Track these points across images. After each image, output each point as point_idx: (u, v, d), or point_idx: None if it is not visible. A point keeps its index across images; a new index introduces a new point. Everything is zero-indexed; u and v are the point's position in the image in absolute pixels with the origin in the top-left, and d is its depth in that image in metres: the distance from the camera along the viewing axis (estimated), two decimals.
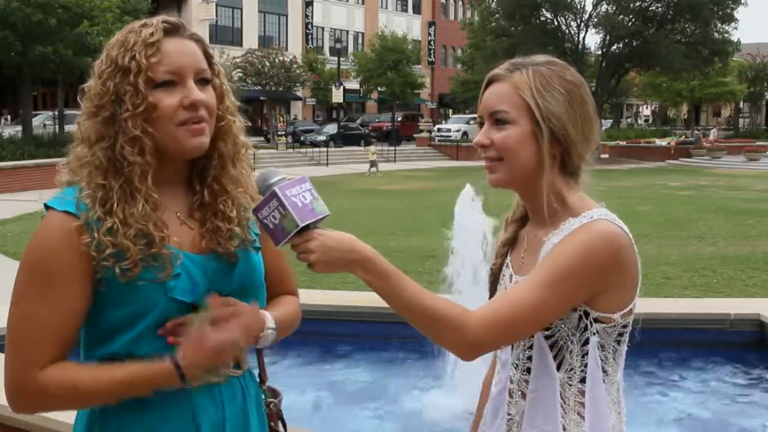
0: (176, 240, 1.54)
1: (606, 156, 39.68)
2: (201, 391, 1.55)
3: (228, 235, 1.59)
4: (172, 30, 1.54)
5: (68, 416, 2.70)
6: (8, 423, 3.15)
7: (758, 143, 44.54)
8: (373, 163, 30.62)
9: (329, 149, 36.82)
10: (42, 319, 1.48)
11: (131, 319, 1.50)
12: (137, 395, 1.50)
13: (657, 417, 4.81)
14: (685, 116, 75.09)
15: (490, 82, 1.67)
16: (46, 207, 1.52)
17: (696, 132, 50.19)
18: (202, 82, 1.55)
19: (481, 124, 1.66)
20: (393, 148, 39.11)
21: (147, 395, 1.50)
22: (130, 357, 1.52)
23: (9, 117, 37.13)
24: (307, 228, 1.45)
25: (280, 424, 1.77)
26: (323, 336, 5.54)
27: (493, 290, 1.80)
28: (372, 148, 32.18)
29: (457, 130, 42.44)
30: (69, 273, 1.47)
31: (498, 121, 1.62)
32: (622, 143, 44.49)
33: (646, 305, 5.89)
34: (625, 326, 1.62)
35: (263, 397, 1.75)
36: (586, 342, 1.59)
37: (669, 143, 43.08)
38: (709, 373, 5.33)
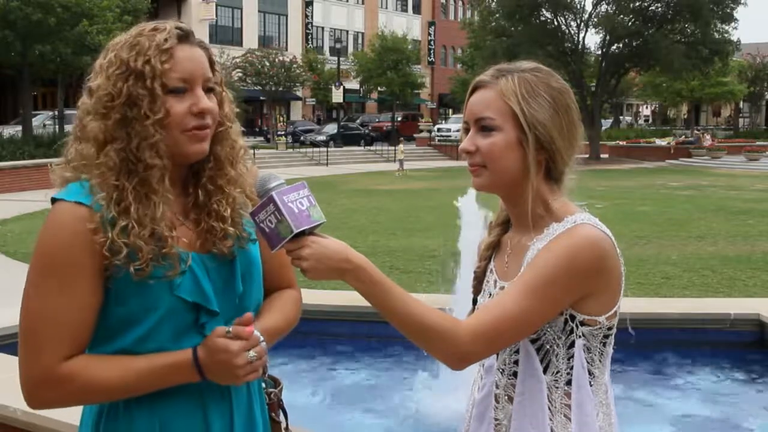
0: (185, 241, 1.56)
1: (606, 156, 39.71)
2: (210, 386, 1.56)
3: (222, 234, 1.60)
4: (184, 37, 1.55)
5: (69, 416, 2.70)
6: (9, 423, 3.15)
7: (758, 143, 44.57)
8: (400, 162, 30.76)
9: (329, 149, 36.83)
10: (60, 311, 1.48)
11: (136, 317, 1.52)
12: (153, 389, 1.53)
13: (657, 417, 4.82)
14: (685, 116, 75.09)
15: (475, 88, 1.68)
16: (54, 200, 1.52)
17: (696, 132, 50.21)
18: (207, 90, 1.57)
19: (466, 130, 1.68)
20: (393, 148, 39.12)
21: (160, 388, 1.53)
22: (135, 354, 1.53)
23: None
24: (302, 234, 1.46)
25: (281, 413, 1.77)
26: (323, 336, 5.55)
27: (476, 293, 1.82)
28: (400, 146, 32.31)
29: (457, 130, 42.37)
30: (84, 264, 1.48)
31: (484, 127, 1.63)
32: (622, 143, 44.51)
33: (646, 305, 5.90)
34: (610, 328, 1.64)
35: (263, 386, 1.75)
36: (572, 345, 1.61)
37: (669, 143, 43.10)
38: (708, 373, 5.33)
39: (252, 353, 1.50)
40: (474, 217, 5.07)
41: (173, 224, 1.54)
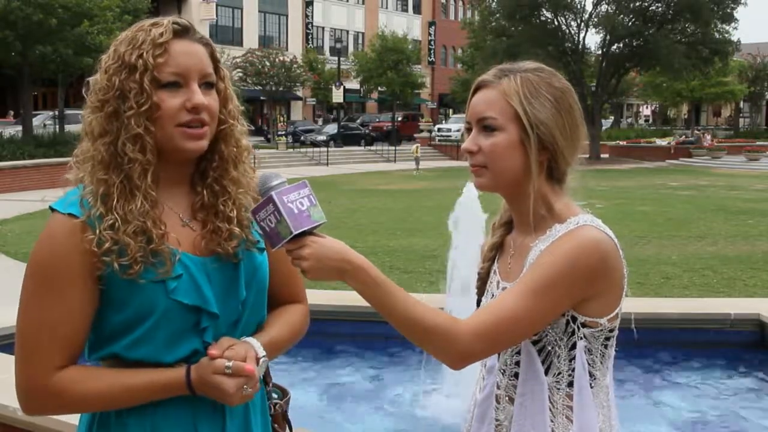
0: (174, 237, 1.54)
1: (606, 156, 39.74)
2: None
3: (227, 235, 1.59)
4: (182, 32, 1.55)
5: (69, 417, 2.70)
6: (9, 423, 3.16)
7: (758, 143, 44.62)
8: (416, 161, 30.79)
9: (329, 149, 36.84)
10: (53, 322, 1.48)
11: (132, 321, 1.51)
12: (143, 402, 1.53)
13: (657, 417, 4.81)
14: (685, 116, 75.11)
15: (478, 88, 1.67)
16: (51, 209, 1.52)
17: (696, 132, 50.23)
18: (207, 85, 1.56)
19: (469, 130, 1.67)
20: (393, 148, 39.15)
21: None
22: (130, 359, 1.52)
23: (12, 114, 37.01)
24: (303, 233, 1.46)
25: (286, 425, 1.76)
26: (323, 336, 5.54)
27: (480, 294, 1.81)
28: (417, 145, 32.29)
29: (457, 130, 42.40)
30: (76, 274, 1.48)
31: (486, 127, 1.63)
32: (623, 143, 44.57)
33: (646, 305, 5.90)
34: (611, 330, 1.64)
35: (268, 397, 1.74)
36: (574, 346, 1.61)
37: (669, 143, 43.12)
38: (708, 373, 5.33)
39: (247, 388, 1.50)
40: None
41: (163, 221, 1.53)
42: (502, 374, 1.69)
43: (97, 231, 1.47)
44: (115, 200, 1.49)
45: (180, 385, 1.51)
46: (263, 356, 1.55)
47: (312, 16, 56.34)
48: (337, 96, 44.30)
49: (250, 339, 1.58)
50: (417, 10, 65.95)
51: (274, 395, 1.75)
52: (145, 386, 1.50)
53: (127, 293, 1.50)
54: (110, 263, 1.47)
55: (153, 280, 1.49)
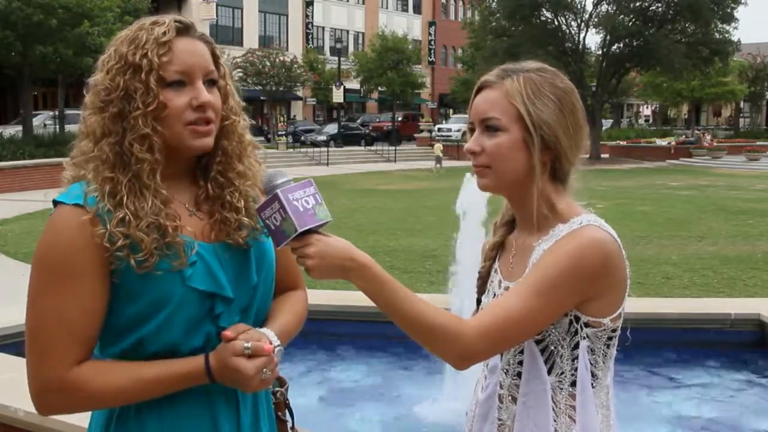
0: (190, 230, 1.54)
1: (606, 156, 39.74)
2: (217, 388, 1.55)
3: (236, 225, 1.59)
4: (184, 30, 1.54)
5: (70, 417, 2.70)
6: (9, 423, 3.16)
7: (758, 143, 44.62)
8: (438, 160, 30.74)
9: (329, 149, 36.85)
10: (66, 316, 1.46)
11: (148, 312, 1.49)
12: (161, 395, 1.51)
13: (657, 417, 4.82)
14: (686, 116, 75.13)
15: (480, 88, 1.67)
16: (55, 203, 1.50)
17: (696, 132, 50.23)
18: (210, 83, 1.56)
19: (471, 130, 1.67)
20: (393, 148, 39.17)
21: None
22: (147, 352, 1.51)
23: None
24: (308, 232, 1.46)
25: (287, 413, 1.76)
26: (323, 336, 5.54)
27: (481, 293, 1.81)
28: (438, 144, 32.13)
29: (458, 130, 42.45)
30: (87, 265, 1.46)
31: (489, 128, 1.63)
32: (623, 143, 44.59)
33: (646, 305, 5.90)
34: (614, 330, 1.64)
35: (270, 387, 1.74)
36: (576, 346, 1.61)
37: (669, 143, 43.14)
38: (709, 374, 5.33)
39: (267, 371, 1.49)
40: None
41: (177, 214, 1.53)
42: (505, 374, 1.69)
43: (108, 226, 1.46)
44: (125, 197, 1.47)
45: (199, 373, 1.49)
46: (278, 345, 1.54)
47: (312, 16, 56.33)
48: (337, 96, 44.30)
49: (263, 329, 1.57)
50: (417, 10, 65.93)
51: (273, 385, 1.75)
52: (165, 377, 1.49)
53: (142, 285, 1.48)
54: (124, 258, 1.46)
55: (168, 271, 1.48)
